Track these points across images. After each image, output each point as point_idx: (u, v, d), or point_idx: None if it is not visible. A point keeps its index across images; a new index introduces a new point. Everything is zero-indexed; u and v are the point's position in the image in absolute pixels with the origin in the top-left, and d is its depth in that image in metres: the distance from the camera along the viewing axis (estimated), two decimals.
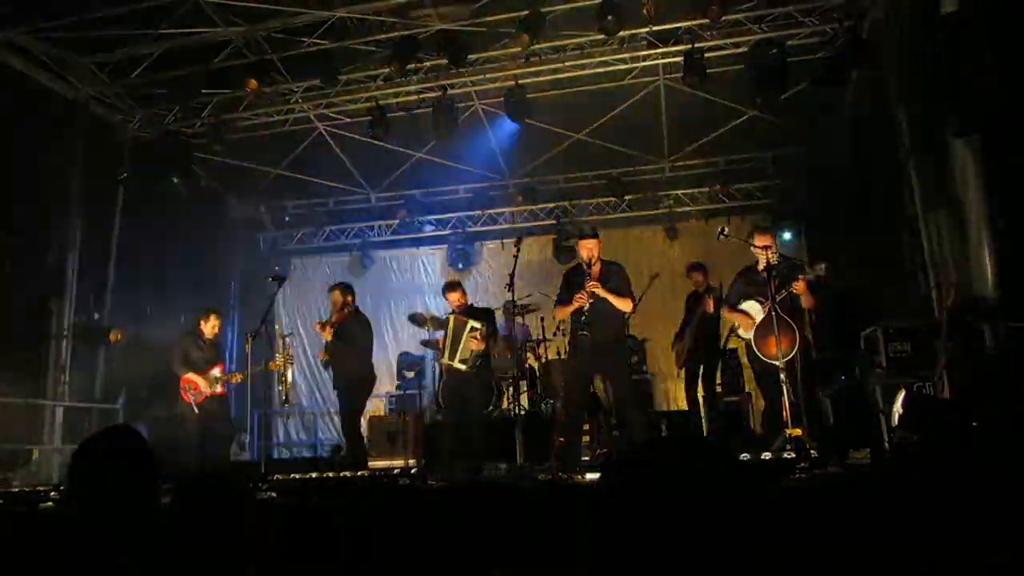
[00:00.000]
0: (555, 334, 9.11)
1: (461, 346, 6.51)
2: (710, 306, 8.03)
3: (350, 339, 6.97)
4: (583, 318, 5.61)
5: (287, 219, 12.54)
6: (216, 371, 7.49)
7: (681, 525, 1.09)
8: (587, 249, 5.82)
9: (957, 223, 6.10)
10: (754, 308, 5.76)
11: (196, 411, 7.36)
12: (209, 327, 7.67)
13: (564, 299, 5.88)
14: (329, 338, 6.85)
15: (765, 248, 5.72)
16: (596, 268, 5.80)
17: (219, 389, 7.49)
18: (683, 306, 8.70)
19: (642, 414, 5.66)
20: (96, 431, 2.32)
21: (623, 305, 5.76)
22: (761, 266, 5.71)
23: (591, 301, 5.62)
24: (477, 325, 6.55)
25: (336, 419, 10.78)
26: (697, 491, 1.11)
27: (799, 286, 5.52)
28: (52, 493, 5.10)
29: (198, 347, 7.58)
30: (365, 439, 7.53)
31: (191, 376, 7.40)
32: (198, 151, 10.15)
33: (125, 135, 9.87)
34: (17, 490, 5.74)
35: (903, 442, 5.28)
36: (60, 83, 8.96)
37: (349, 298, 7.08)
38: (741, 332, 5.92)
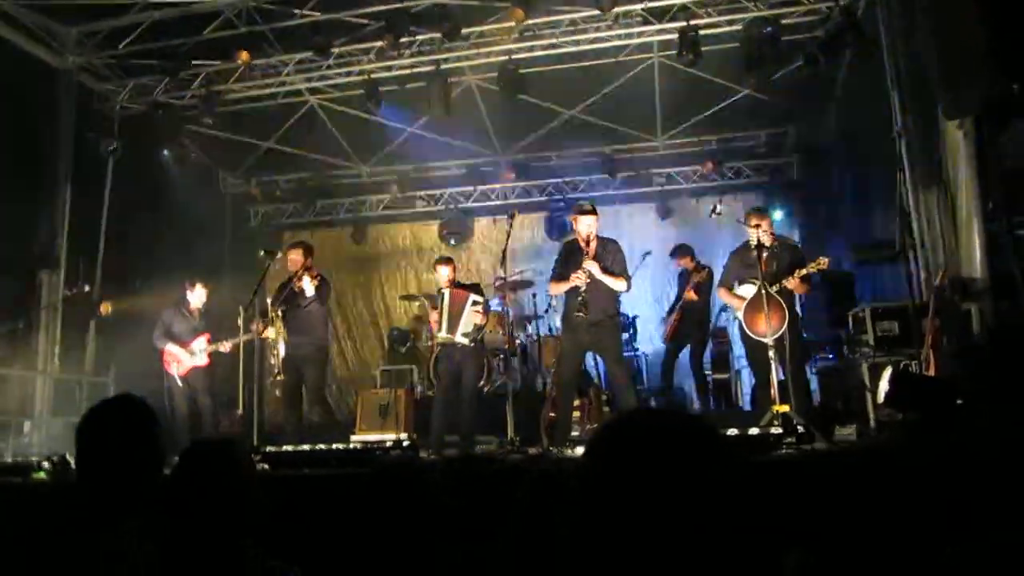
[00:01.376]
0: (547, 311, 9.18)
1: (463, 319, 6.50)
2: (691, 294, 8.12)
3: (323, 301, 6.93)
4: (579, 298, 5.62)
5: (278, 193, 12.47)
6: (202, 341, 7.49)
7: (663, 497, 1.10)
8: (586, 225, 5.80)
9: (948, 204, 6.14)
10: (750, 292, 5.78)
11: (180, 384, 7.37)
12: (195, 297, 7.62)
13: (560, 274, 5.89)
14: (313, 290, 6.72)
15: (757, 227, 5.75)
16: (593, 245, 5.80)
17: (204, 361, 7.47)
18: (675, 283, 8.79)
19: (633, 391, 5.71)
20: (104, 399, 2.33)
21: (618, 286, 5.76)
22: (753, 243, 5.74)
23: (588, 281, 5.64)
24: (479, 299, 6.58)
25: None
26: (681, 462, 1.11)
27: (792, 283, 5.59)
28: (44, 463, 5.13)
29: (183, 317, 7.56)
30: (357, 414, 7.56)
31: (172, 348, 7.41)
32: (188, 124, 10.06)
33: (114, 107, 9.76)
34: (11, 461, 5.75)
35: (888, 419, 5.37)
36: (48, 52, 8.85)
37: (310, 260, 6.93)
38: (737, 313, 5.95)
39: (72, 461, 5.24)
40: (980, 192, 5.91)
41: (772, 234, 5.92)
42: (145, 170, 10.13)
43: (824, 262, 5.61)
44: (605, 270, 5.70)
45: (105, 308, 8.73)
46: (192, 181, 11.18)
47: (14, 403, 7.90)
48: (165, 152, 10.14)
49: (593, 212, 5.87)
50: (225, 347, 7.45)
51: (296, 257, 6.90)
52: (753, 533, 1.12)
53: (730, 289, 6.03)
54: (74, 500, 2.24)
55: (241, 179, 12.37)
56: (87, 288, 8.89)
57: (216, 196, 12.33)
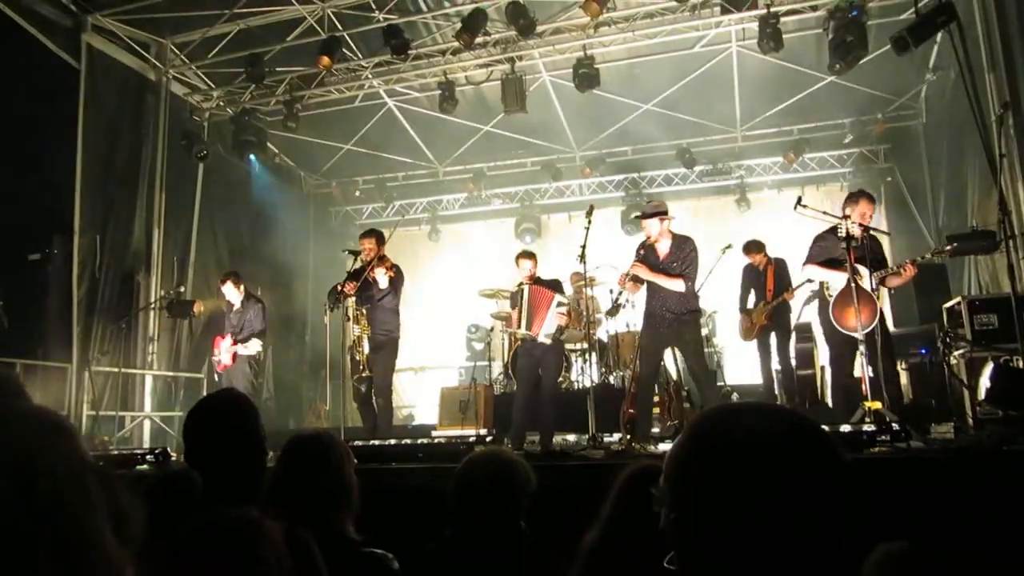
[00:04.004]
0: (623, 306, 9.08)
1: (546, 318, 6.44)
2: (790, 295, 7.83)
3: (397, 291, 6.84)
4: (622, 297, 5.78)
5: (357, 193, 12.81)
6: (227, 341, 7.65)
7: (769, 495, 1.06)
8: (645, 227, 5.89)
9: None
10: (842, 280, 5.55)
11: (217, 379, 7.77)
12: (227, 293, 7.77)
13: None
14: (387, 281, 6.57)
15: (847, 217, 5.54)
16: (664, 244, 5.84)
17: (227, 360, 7.59)
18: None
19: (714, 386, 5.63)
20: (209, 394, 2.46)
21: (672, 285, 5.75)
22: (842, 233, 5.53)
23: (632, 283, 5.77)
24: (563, 300, 6.55)
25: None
26: (791, 460, 1.08)
27: (896, 281, 5.46)
28: (148, 456, 5.39)
29: (227, 315, 7.84)
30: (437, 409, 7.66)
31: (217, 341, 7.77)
32: (272, 128, 10.40)
33: (204, 113, 10.19)
34: (116, 454, 6.07)
35: (988, 416, 5.14)
36: (142, 63, 9.31)
37: (382, 248, 6.80)
38: (829, 293, 5.69)
39: (173, 454, 5.51)
40: None
41: (864, 226, 5.67)
42: (231, 174, 10.57)
43: (911, 270, 5.45)
44: (660, 270, 5.74)
45: (198, 308, 9.10)
46: (275, 183, 11.60)
47: (117, 399, 8.32)
48: (251, 156, 10.51)
49: (654, 215, 5.88)
50: (248, 349, 7.57)
51: (369, 245, 6.78)
52: (856, 534, 1.09)
53: (823, 265, 5.77)
54: (182, 489, 2.35)
55: (322, 180, 12.72)
56: (181, 289, 9.30)
57: (299, 197, 12.71)
